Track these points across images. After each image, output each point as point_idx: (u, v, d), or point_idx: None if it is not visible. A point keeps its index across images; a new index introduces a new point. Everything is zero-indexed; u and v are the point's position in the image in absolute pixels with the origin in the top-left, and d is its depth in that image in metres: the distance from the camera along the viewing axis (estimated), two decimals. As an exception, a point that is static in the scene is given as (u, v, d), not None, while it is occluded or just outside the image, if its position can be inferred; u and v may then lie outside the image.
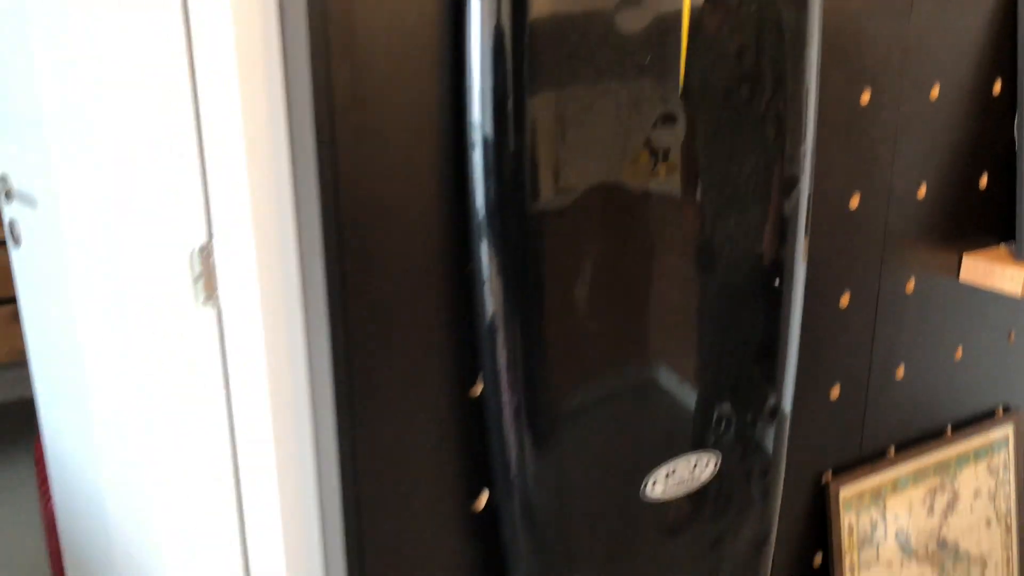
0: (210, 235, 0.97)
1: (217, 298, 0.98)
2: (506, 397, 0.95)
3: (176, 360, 1.06)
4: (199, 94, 0.90)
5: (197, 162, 0.94)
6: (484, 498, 1.03)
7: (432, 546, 1.01)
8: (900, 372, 1.45)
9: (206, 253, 0.97)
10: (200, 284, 0.98)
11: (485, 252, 0.90)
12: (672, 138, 0.94)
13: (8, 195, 1.43)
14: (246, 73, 0.83)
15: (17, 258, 1.48)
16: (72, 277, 1.27)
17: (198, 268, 0.98)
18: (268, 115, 0.86)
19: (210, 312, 1.00)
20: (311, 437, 0.98)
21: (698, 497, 1.10)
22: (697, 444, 1.08)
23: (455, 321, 0.95)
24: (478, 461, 1.02)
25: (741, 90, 0.98)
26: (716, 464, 1.11)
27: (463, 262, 0.94)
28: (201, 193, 0.95)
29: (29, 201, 1.35)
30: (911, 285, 1.41)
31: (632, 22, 0.89)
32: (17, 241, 1.46)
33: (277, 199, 0.90)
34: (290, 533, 1.00)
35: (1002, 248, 1.49)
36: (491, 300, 0.91)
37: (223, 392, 1.03)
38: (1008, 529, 1.68)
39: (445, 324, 0.95)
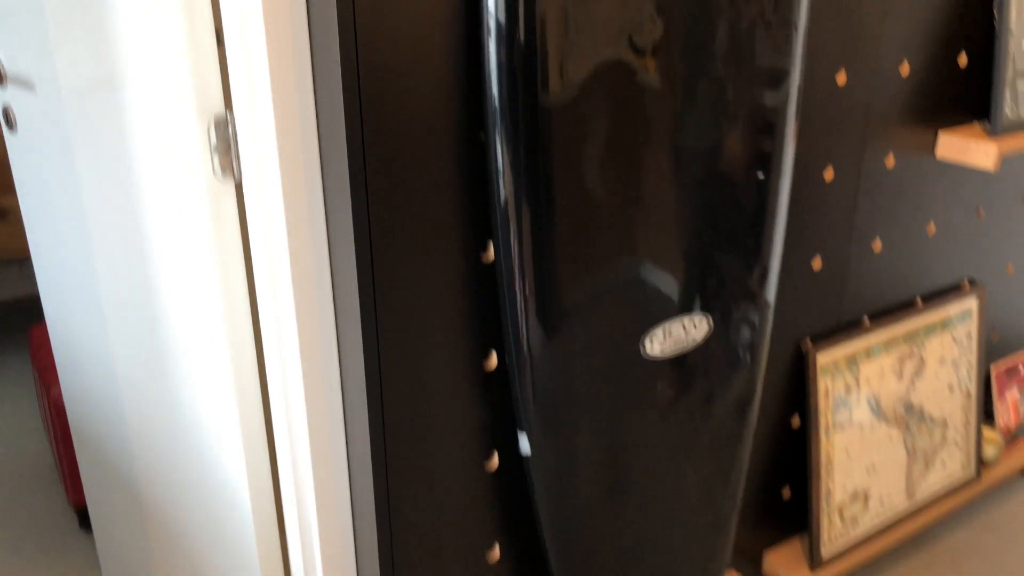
0: (227, 105, 0.99)
1: (235, 170, 1.01)
2: (516, 264, 1.01)
3: (192, 234, 1.10)
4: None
5: (211, 27, 0.95)
6: (494, 358, 1.10)
7: (447, 402, 1.08)
8: (877, 245, 1.53)
9: (224, 124, 1.00)
10: (217, 157, 1.01)
11: (499, 127, 0.94)
12: (665, 29, 0.98)
13: (1, 80, 1.42)
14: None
15: (14, 144, 1.48)
16: (76, 159, 1.28)
17: (215, 140, 1.00)
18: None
19: (228, 185, 1.03)
20: (331, 302, 1.03)
21: (692, 356, 1.18)
22: (690, 307, 1.15)
23: (468, 190, 1.00)
24: (489, 324, 1.08)
25: (741, -40, 1.01)
26: (708, 326, 1.18)
27: (475, 130, 0.98)
28: (217, 62, 0.97)
29: (26, 84, 1.35)
30: (891, 161, 1.47)
31: None
32: (13, 127, 1.46)
33: (296, 68, 0.92)
34: (312, 394, 1.06)
35: (976, 126, 1.56)
36: (504, 176, 0.95)
37: (241, 262, 1.07)
38: (968, 395, 1.81)
39: (459, 191, 0.99)
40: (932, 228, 1.62)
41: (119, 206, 1.23)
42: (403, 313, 1.00)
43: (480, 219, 1.02)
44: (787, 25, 1.09)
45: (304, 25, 0.91)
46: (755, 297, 1.23)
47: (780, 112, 1.13)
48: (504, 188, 0.96)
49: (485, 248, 1.04)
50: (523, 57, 0.91)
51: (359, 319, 0.97)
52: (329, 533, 1.13)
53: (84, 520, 1.95)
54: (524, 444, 1.11)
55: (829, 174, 1.39)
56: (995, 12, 1.48)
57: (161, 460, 1.38)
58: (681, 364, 1.17)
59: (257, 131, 0.96)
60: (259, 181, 0.98)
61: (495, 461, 1.16)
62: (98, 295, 1.38)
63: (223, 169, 1.02)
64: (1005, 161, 1.70)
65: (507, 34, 0.90)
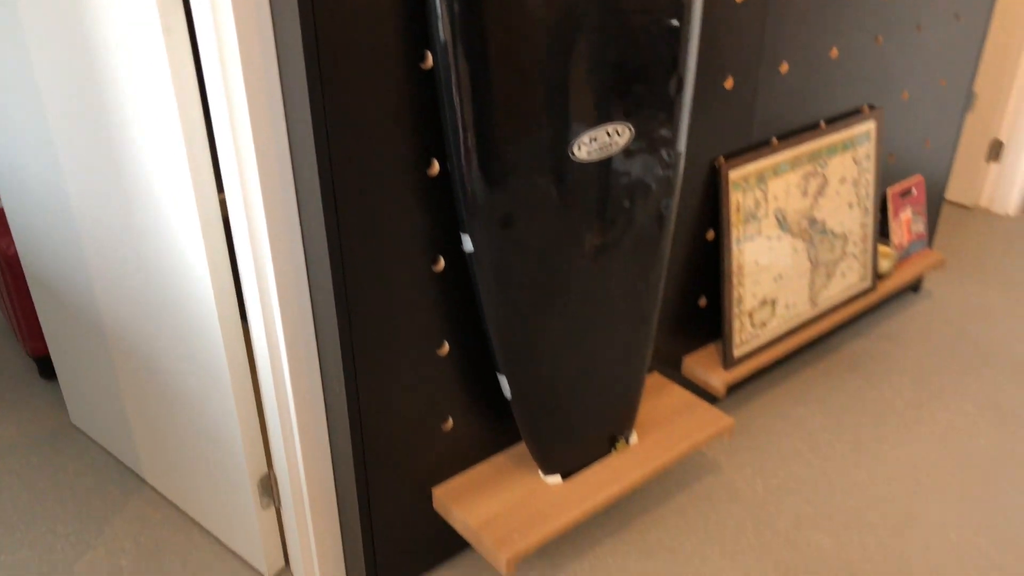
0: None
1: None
2: (454, 75, 1.09)
3: (145, 50, 1.15)
4: None
5: None
6: (436, 166, 1.20)
7: (394, 205, 1.19)
8: (784, 67, 1.65)
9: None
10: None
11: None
12: None
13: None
14: None
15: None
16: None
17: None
18: None
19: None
20: (281, 101, 1.11)
21: (616, 161, 1.30)
22: (613, 117, 1.27)
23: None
24: (431, 133, 1.18)
25: None
26: (630, 133, 1.30)
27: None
28: None
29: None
30: (796, -14, 1.57)
31: None
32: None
33: None
34: (269, 195, 1.15)
35: (875, -47, 1.67)
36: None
37: (194, 79, 1.13)
38: (866, 212, 1.99)
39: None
40: (835, 52, 1.74)
41: (66, 30, 1.26)
42: (352, 119, 1.09)
43: (418, 29, 1.10)
44: None
45: None
46: (671, 107, 1.34)
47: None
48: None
49: (423, 58, 1.12)
50: None
51: (310, 124, 1.06)
52: (293, 334, 1.25)
53: (45, 369, 2.02)
54: (467, 242, 1.23)
55: (739, -4, 1.49)
56: None
57: (125, 293, 1.46)
58: (607, 168, 1.29)
59: (202, -58, 1.00)
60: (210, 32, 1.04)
61: (441, 264, 1.28)
62: (47, 133, 1.42)
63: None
64: (902, -10, 1.83)
65: None
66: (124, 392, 1.63)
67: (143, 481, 1.75)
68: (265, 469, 1.43)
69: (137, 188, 1.28)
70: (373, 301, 1.22)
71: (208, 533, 1.63)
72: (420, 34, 1.11)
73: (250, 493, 1.44)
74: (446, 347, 1.35)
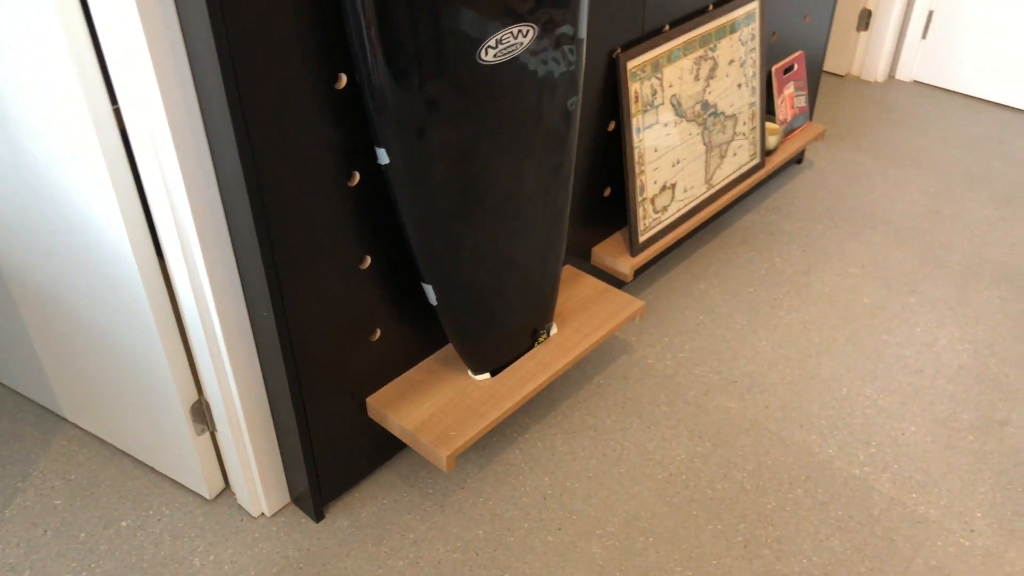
0: None
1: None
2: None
3: None
4: None
5: None
6: (343, 79, 1.18)
7: (305, 122, 1.17)
8: (673, -47, 1.67)
9: None
10: None
11: None
12: None
13: None
14: None
15: None
16: None
17: None
18: None
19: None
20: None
21: (521, 60, 1.31)
22: (517, 19, 1.26)
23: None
24: (339, 49, 1.15)
25: None
26: (533, 32, 1.30)
27: None
28: None
29: None
30: None
31: None
32: None
33: None
34: (173, 118, 1.11)
35: None
36: None
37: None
38: (753, 91, 2.07)
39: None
40: (719, -65, 1.77)
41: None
42: (256, 38, 1.05)
43: (314, -62, 1.06)
44: None
45: None
46: (571, 1, 1.35)
47: None
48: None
49: (323, -32, 1.09)
50: None
51: (213, 45, 1.02)
52: (213, 260, 1.23)
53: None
54: (382, 155, 1.23)
55: None
56: None
57: (24, 235, 1.39)
58: (513, 69, 1.30)
59: None
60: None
61: (356, 178, 1.27)
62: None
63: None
64: None
65: None
66: (34, 336, 1.58)
67: (63, 420, 1.72)
68: (196, 396, 1.43)
69: (27, 116, 1.21)
70: (292, 221, 1.21)
71: (141, 463, 1.63)
72: (317, -57, 1.07)
73: (184, 421, 1.44)
74: (368, 261, 1.36)
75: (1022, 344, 1.91)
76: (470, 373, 1.55)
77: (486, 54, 1.24)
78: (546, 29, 1.32)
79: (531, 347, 1.61)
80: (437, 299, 1.41)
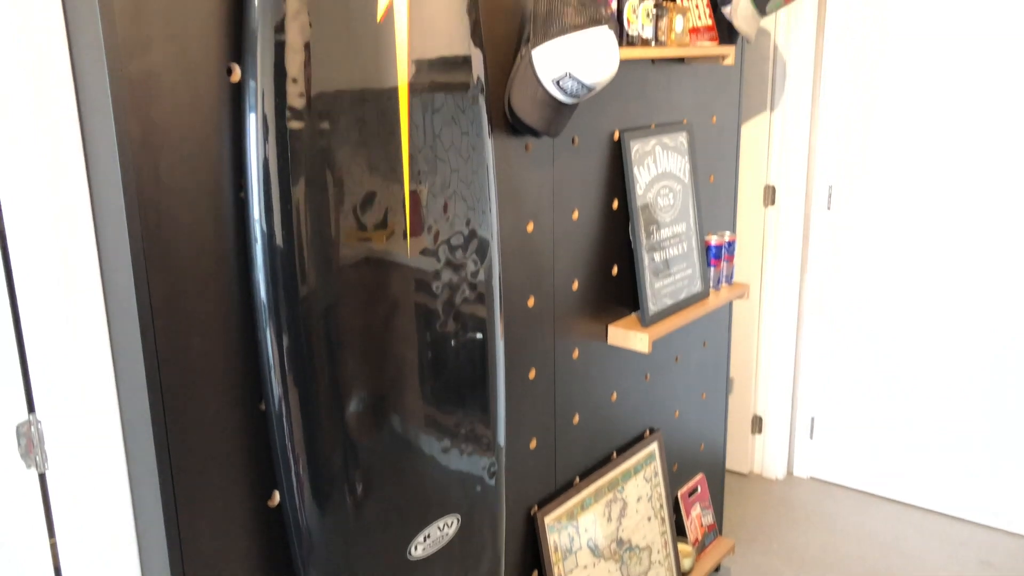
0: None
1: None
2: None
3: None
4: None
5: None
6: (276, 496, 1.28)
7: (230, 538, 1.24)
8: (576, 419, 1.91)
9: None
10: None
11: (268, 338, 1.17)
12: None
13: None
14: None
15: None
16: None
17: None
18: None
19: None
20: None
21: (448, 549, 1.44)
22: (444, 509, 1.42)
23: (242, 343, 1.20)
24: (270, 467, 1.26)
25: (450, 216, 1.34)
26: (457, 521, 1.45)
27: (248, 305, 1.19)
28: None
29: None
30: (576, 353, 1.87)
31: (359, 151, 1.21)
32: None
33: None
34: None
35: (633, 316, 2.03)
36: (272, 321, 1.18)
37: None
38: (663, 521, 2.23)
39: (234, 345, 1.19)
40: (615, 396, 2.04)
41: None
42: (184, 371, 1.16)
43: (255, 377, 1.22)
44: (488, 270, 1.43)
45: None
46: (490, 486, 1.52)
47: (490, 327, 1.46)
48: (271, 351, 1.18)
49: (261, 397, 1.23)
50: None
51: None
52: None
53: None
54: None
55: (532, 373, 1.75)
56: (631, 235, 1.97)
57: None
58: (440, 557, 1.42)
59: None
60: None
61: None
62: None
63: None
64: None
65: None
66: None
67: None
68: None
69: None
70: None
71: None
72: (257, 380, 1.22)
73: None
74: None
75: None
76: None
77: (416, 550, 1.37)
78: (469, 513, 1.47)
79: None
80: None
